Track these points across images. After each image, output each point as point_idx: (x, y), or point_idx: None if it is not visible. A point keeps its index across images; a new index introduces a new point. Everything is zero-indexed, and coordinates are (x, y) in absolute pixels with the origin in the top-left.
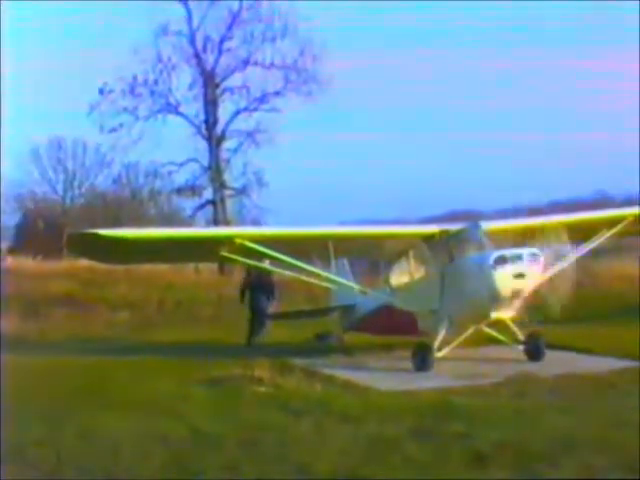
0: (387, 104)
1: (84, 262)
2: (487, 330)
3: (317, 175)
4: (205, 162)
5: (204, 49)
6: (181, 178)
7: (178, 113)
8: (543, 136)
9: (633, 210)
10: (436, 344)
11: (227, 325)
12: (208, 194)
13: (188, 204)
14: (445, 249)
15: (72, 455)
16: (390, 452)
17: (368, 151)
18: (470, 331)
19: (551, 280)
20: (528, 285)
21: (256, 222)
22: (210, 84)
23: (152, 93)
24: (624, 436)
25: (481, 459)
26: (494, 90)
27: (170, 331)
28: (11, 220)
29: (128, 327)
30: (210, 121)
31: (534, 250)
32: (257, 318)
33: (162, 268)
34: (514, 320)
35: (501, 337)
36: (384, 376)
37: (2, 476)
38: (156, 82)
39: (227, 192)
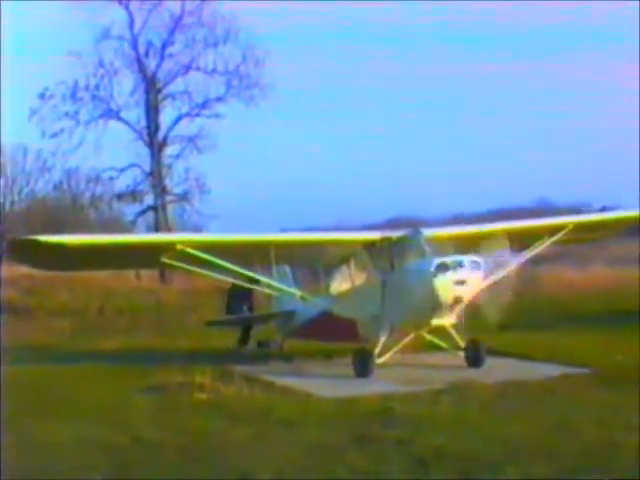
0: (328, 110)
1: (24, 269)
2: (428, 337)
3: (259, 182)
4: (147, 167)
5: (146, 54)
6: (122, 184)
7: (120, 118)
8: (485, 144)
9: (573, 218)
10: (377, 350)
11: (168, 332)
12: (149, 200)
13: (129, 210)
14: (386, 256)
15: (12, 464)
16: (331, 459)
17: (311, 158)
18: (411, 337)
19: (492, 287)
20: (469, 292)
21: (198, 228)
22: (152, 89)
23: (93, 98)
24: (566, 443)
25: (422, 465)
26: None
27: (111, 338)
28: None
29: (69, 334)
30: (152, 127)
31: (475, 257)
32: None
33: (102, 274)
34: (455, 327)
35: (442, 344)
36: (325, 382)
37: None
38: (97, 87)
39: (168, 198)
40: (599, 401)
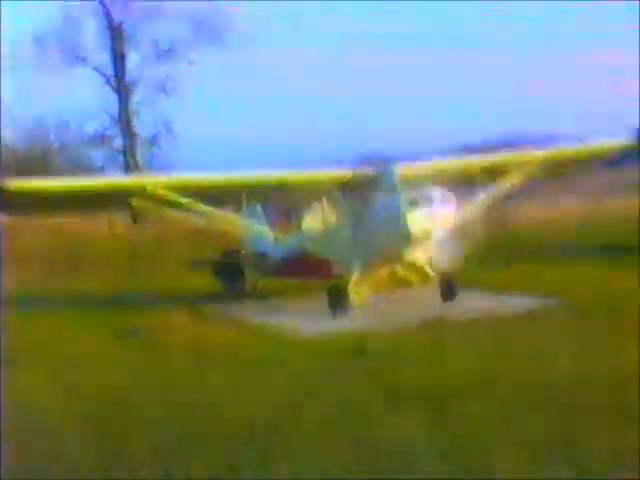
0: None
1: None
2: (401, 272)
3: (229, 125)
4: (115, 113)
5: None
6: (91, 129)
7: (87, 65)
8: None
9: (544, 153)
10: (350, 287)
11: (142, 274)
12: (118, 144)
13: (98, 155)
14: (358, 192)
15: None
16: (307, 396)
17: (280, 102)
18: (384, 273)
19: (463, 222)
20: (439, 227)
21: (167, 171)
22: (118, 36)
23: (60, 45)
24: (542, 374)
25: (398, 397)
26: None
27: (84, 282)
28: None
29: (40, 280)
30: (119, 72)
31: (445, 191)
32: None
33: (74, 220)
34: (427, 262)
35: (414, 278)
36: (299, 320)
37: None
38: (64, 34)
39: (137, 142)
40: (571, 332)
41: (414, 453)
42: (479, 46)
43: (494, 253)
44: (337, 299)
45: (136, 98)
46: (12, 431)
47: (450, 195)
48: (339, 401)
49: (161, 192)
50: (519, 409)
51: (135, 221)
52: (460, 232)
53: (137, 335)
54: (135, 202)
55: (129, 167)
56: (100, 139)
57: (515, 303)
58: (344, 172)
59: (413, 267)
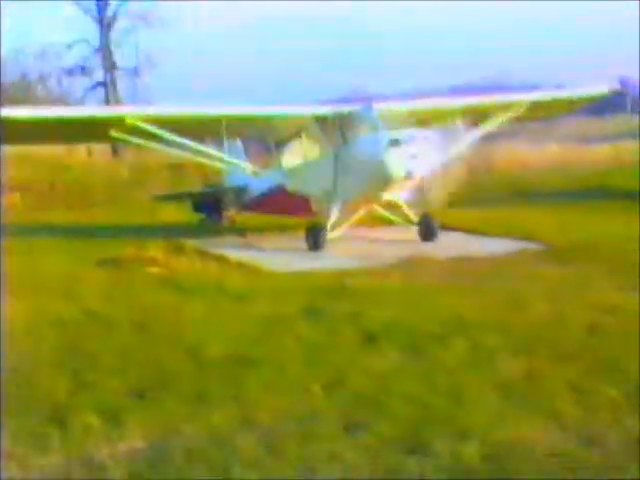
0: None
1: None
2: (380, 211)
3: (209, 57)
4: (95, 43)
5: None
6: (71, 60)
7: None
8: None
9: (529, 96)
10: (329, 224)
11: (121, 207)
12: (98, 76)
13: (78, 86)
14: (338, 130)
15: None
16: (282, 332)
17: (259, 35)
18: (363, 212)
19: (445, 163)
20: (420, 167)
21: (148, 103)
22: None
23: None
24: (518, 318)
25: (372, 339)
26: None
27: (63, 213)
28: None
29: (19, 209)
30: (100, 3)
31: (427, 132)
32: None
33: (53, 150)
34: (407, 202)
35: (394, 218)
36: (277, 256)
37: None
38: None
39: (118, 73)
40: (551, 276)
41: (388, 395)
42: None
43: (477, 195)
44: (315, 236)
45: (117, 28)
46: None
47: (433, 136)
48: (312, 340)
49: (141, 124)
50: (494, 352)
51: (115, 152)
52: (442, 173)
53: (115, 265)
54: (115, 134)
55: (109, 98)
56: (80, 70)
57: (495, 245)
58: (326, 109)
59: (393, 206)
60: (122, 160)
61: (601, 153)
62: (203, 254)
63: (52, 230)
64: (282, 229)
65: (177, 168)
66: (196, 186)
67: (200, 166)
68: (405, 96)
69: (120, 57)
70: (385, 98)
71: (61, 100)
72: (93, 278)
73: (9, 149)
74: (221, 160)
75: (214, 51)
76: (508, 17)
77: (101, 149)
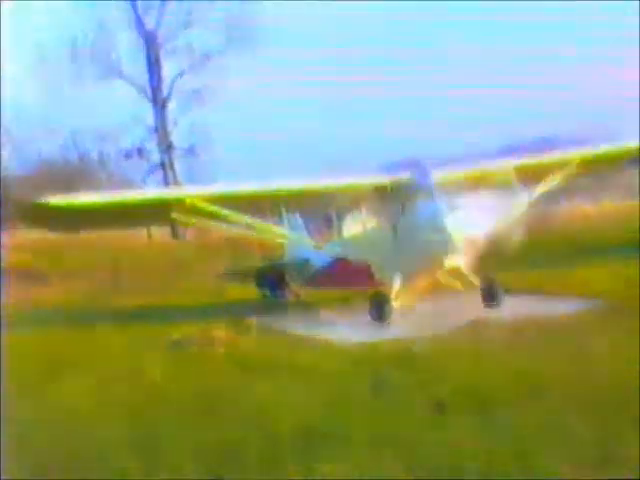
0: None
1: (34, 233)
2: (443, 278)
3: (266, 131)
4: (151, 124)
5: (145, 10)
6: (127, 142)
7: (121, 76)
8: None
9: (581, 151)
10: (393, 294)
11: (183, 287)
12: (155, 156)
13: (137, 169)
14: (396, 199)
15: (38, 422)
16: (351, 406)
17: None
18: (426, 280)
19: (504, 225)
20: (480, 231)
21: (206, 181)
22: (152, 46)
23: (94, 57)
24: (591, 378)
25: (442, 407)
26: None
27: (127, 297)
28: None
29: (83, 296)
30: (154, 83)
31: (483, 195)
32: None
33: (113, 234)
34: (469, 267)
35: (457, 284)
36: (342, 329)
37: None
38: (97, 45)
39: (175, 153)
40: (617, 333)
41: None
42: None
43: (536, 254)
44: (380, 307)
45: (172, 108)
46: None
47: (489, 198)
48: (383, 412)
49: (200, 204)
50: (567, 412)
51: (175, 234)
52: (501, 235)
53: (181, 347)
54: (175, 215)
55: (168, 179)
56: (137, 152)
57: (558, 306)
58: (382, 178)
59: (455, 273)
60: (182, 240)
61: None
62: (268, 331)
63: (116, 315)
64: (346, 301)
65: (237, 245)
66: (257, 261)
67: (260, 242)
68: (455, 160)
69: (176, 136)
70: (436, 164)
71: (121, 184)
72: (158, 361)
73: (70, 237)
74: (282, 235)
75: (267, 122)
76: None
77: (160, 231)
